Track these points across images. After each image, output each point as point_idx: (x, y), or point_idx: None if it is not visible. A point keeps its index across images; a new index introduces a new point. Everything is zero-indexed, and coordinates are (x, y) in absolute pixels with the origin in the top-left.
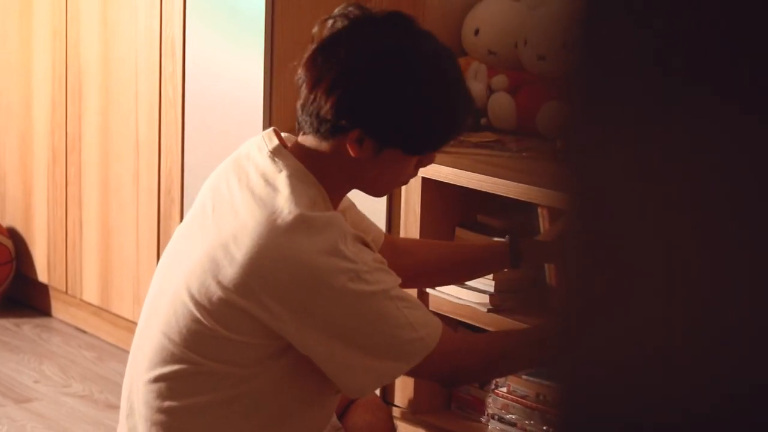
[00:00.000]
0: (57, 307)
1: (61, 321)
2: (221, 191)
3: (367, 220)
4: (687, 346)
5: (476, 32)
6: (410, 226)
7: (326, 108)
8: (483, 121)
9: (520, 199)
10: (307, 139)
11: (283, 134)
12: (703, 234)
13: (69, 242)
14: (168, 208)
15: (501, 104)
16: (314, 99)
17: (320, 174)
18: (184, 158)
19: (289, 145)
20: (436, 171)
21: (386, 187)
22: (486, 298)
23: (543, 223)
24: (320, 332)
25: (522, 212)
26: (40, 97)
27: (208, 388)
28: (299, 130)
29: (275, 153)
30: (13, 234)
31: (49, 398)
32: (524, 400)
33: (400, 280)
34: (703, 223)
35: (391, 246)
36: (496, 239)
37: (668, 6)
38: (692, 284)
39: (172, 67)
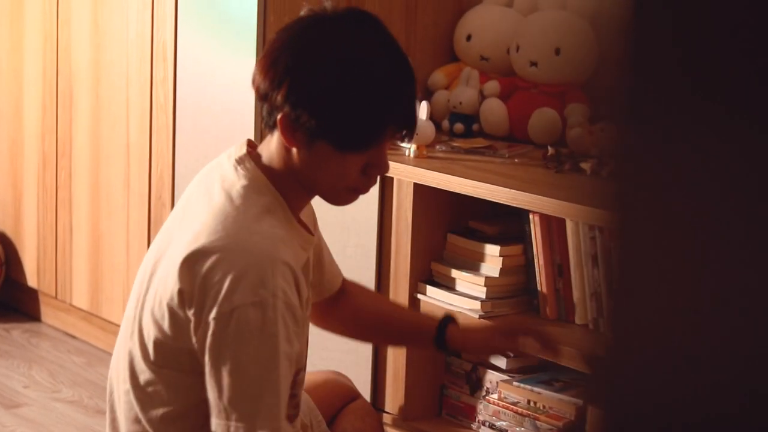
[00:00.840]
0: (46, 312)
1: (51, 326)
2: (191, 199)
3: (329, 259)
4: (743, 372)
5: (468, 38)
6: (401, 233)
7: (264, 87)
8: (475, 126)
9: (511, 205)
10: (266, 142)
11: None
12: (757, 250)
13: (59, 247)
14: (158, 212)
15: (493, 110)
16: (260, 84)
17: (277, 180)
18: (175, 163)
19: (256, 152)
20: (428, 177)
21: (335, 190)
22: (477, 305)
23: (534, 229)
24: (206, 343)
25: (513, 218)
26: (30, 102)
27: (171, 399)
28: (263, 129)
29: (239, 162)
30: (2, 238)
31: (38, 404)
32: (515, 407)
33: (294, 346)
34: (755, 239)
35: (341, 289)
36: (430, 317)
37: (719, 20)
38: (748, 304)
39: (163, 72)
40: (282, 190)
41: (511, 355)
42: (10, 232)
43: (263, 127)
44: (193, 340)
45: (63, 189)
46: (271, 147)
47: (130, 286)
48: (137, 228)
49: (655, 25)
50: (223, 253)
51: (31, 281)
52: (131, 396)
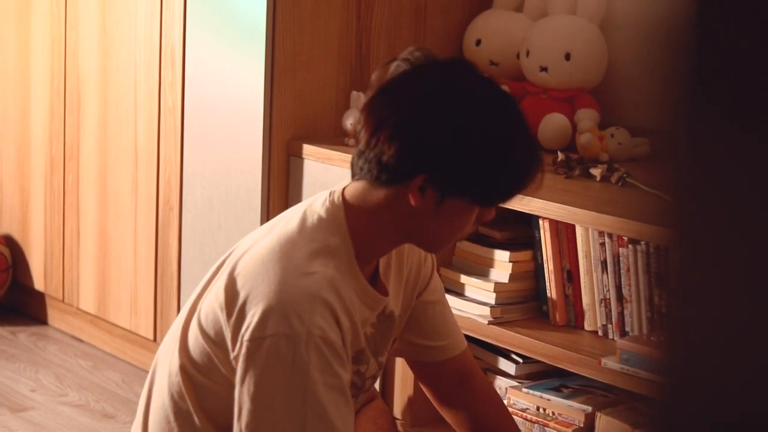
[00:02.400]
0: (53, 316)
1: (58, 329)
2: (279, 217)
3: (451, 323)
4: None
5: (478, 42)
6: None
7: (389, 154)
8: None
9: (521, 210)
10: (360, 186)
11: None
12: None
13: (66, 250)
14: (166, 216)
15: None
16: (375, 144)
17: (361, 228)
18: (183, 167)
19: (346, 192)
20: None
21: (443, 241)
22: (487, 311)
23: (544, 234)
24: (238, 361)
25: (523, 224)
26: (38, 105)
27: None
28: (353, 176)
29: (331, 194)
30: (9, 242)
31: (45, 407)
32: (524, 413)
33: (341, 389)
34: None
35: (465, 375)
36: None
37: None
38: None
39: (171, 76)
40: (361, 236)
41: (520, 360)
42: (17, 235)
43: (361, 176)
44: (231, 356)
45: (70, 192)
46: (373, 197)
47: (137, 290)
48: (145, 232)
49: (718, 35)
50: (268, 278)
51: (38, 284)
52: (165, 382)
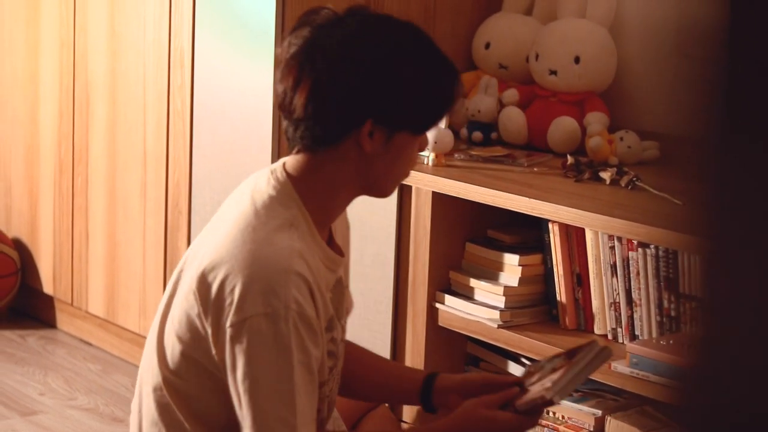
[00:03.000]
0: (62, 319)
1: (67, 333)
2: (224, 207)
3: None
4: None
5: (487, 46)
6: (420, 242)
7: (327, 111)
8: (493, 135)
9: (530, 214)
10: (301, 158)
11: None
12: None
13: (75, 254)
14: (175, 220)
15: (512, 118)
16: (311, 108)
17: (312, 194)
18: (192, 170)
19: (288, 167)
20: (446, 185)
21: (395, 182)
22: (496, 314)
23: (553, 238)
24: (224, 354)
25: (532, 227)
26: (46, 108)
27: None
28: (292, 149)
29: (272, 172)
30: (18, 245)
31: (54, 411)
32: None
33: (312, 356)
34: None
35: None
36: (416, 369)
37: None
38: None
39: (180, 79)
40: (313, 203)
41: (530, 364)
42: (26, 239)
43: (297, 148)
44: (213, 352)
45: (79, 196)
46: (316, 162)
47: (146, 293)
48: (154, 235)
49: (751, 45)
50: (237, 263)
51: (47, 288)
52: (151, 399)
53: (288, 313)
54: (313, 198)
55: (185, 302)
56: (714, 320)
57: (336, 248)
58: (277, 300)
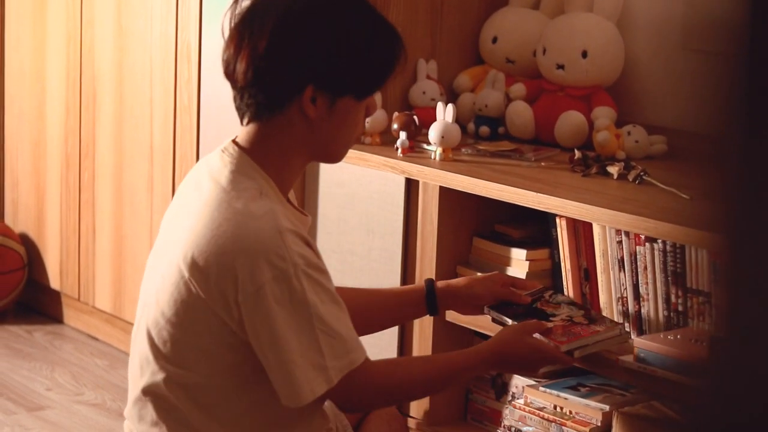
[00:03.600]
0: (69, 314)
1: (73, 328)
2: (181, 198)
3: None
4: None
5: (494, 40)
6: (427, 236)
7: (270, 76)
8: (501, 129)
9: (538, 208)
10: (252, 127)
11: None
12: None
13: (82, 249)
14: None
15: (519, 113)
16: (254, 73)
17: (268, 162)
18: None
19: (239, 140)
20: (454, 180)
21: (343, 147)
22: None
23: (561, 233)
24: (245, 328)
25: (540, 222)
26: (53, 103)
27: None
28: (242, 120)
29: (223, 150)
30: (25, 240)
31: (61, 406)
32: (541, 412)
33: (332, 295)
34: None
35: None
36: (415, 287)
37: None
38: None
39: (187, 73)
40: (272, 171)
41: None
42: (32, 234)
43: (247, 118)
44: (231, 325)
45: (86, 191)
46: (265, 130)
47: None
48: None
49: None
50: (228, 240)
51: (54, 283)
52: (146, 400)
53: (297, 270)
54: (269, 166)
55: (176, 293)
56: (733, 319)
57: (296, 209)
58: (282, 261)
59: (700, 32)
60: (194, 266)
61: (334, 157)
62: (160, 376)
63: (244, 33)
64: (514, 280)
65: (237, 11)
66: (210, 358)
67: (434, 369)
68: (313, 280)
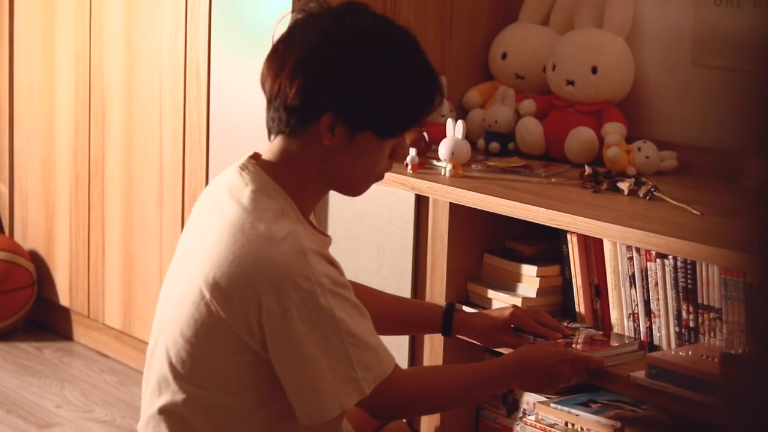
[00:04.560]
0: (79, 331)
1: (83, 345)
2: (199, 216)
3: None
4: None
5: (504, 56)
6: (437, 252)
7: (292, 94)
8: (510, 145)
9: (548, 225)
10: (275, 144)
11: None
12: None
13: (91, 266)
14: None
15: (529, 129)
16: (279, 89)
17: (289, 183)
18: (209, 182)
19: (261, 159)
20: (464, 196)
21: (362, 182)
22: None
23: (572, 249)
24: (269, 352)
25: (550, 238)
26: (62, 121)
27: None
28: (269, 134)
29: (242, 168)
30: (34, 257)
31: (71, 423)
32: (552, 429)
33: (358, 308)
34: None
35: None
36: (436, 304)
37: None
38: None
39: (196, 90)
40: (292, 192)
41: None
42: (42, 251)
43: (272, 133)
44: (253, 345)
45: (95, 208)
46: (288, 149)
47: None
48: (170, 247)
49: None
50: (250, 263)
51: (64, 300)
52: (159, 419)
53: (323, 290)
54: (289, 186)
55: (197, 313)
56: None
57: (318, 230)
58: (307, 282)
59: (710, 48)
60: (216, 288)
61: (351, 190)
62: (179, 397)
63: (279, 50)
64: (540, 316)
65: (284, 29)
66: (230, 378)
67: (462, 376)
68: (340, 296)
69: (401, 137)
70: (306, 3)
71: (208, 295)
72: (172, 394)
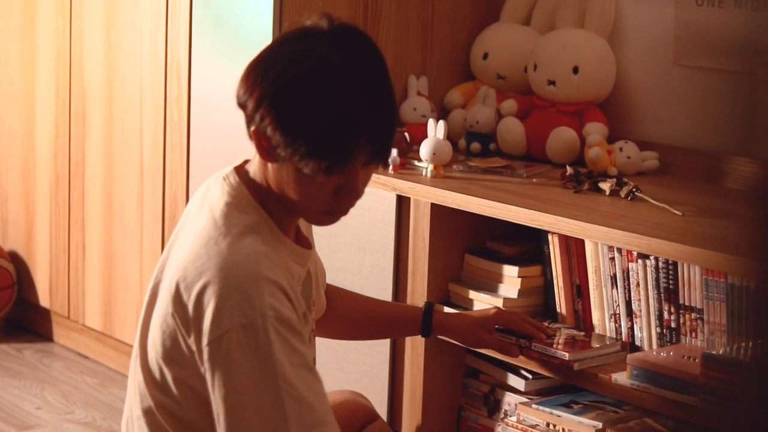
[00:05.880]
0: (59, 332)
1: (63, 346)
2: (188, 217)
3: (323, 278)
4: None
5: (485, 56)
6: (419, 253)
7: (240, 96)
8: (492, 146)
9: (530, 225)
10: (254, 155)
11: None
12: None
13: (71, 267)
14: (172, 232)
15: (510, 129)
16: (238, 93)
17: (263, 195)
18: (189, 183)
19: (245, 168)
20: (445, 197)
21: (305, 209)
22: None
23: (553, 249)
24: (205, 373)
25: (532, 239)
26: (43, 120)
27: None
28: None
29: (225, 178)
30: (14, 258)
31: (51, 425)
32: (533, 430)
33: (304, 361)
34: None
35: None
36: (416, 306)
37: None
38: None
39: (177, 91)
40: (268, 204)
41: (530, 376)
42: (22, 252)
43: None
44: (201, 369)
45: (76, 208)
46: (255, 161)
47: (143, 306)
48: (151, 247)
49: None
50: (207, 278)
51: (44, 301)
52: (143, 422)
53: (266, 321)
54: (264, 199)
55: (165, 325)
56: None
57: (303, 242)
58: (252, 310)
59: (692, 48)
60: (176, 300)
61: (304, 216)
62: (151, 402)
63: (257, 57)
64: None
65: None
66: (196, 396)
67: None
68: (282, 337)
69: (343, 178)
70: (321, 16)
71: (171, 309)
72: (145, 400)
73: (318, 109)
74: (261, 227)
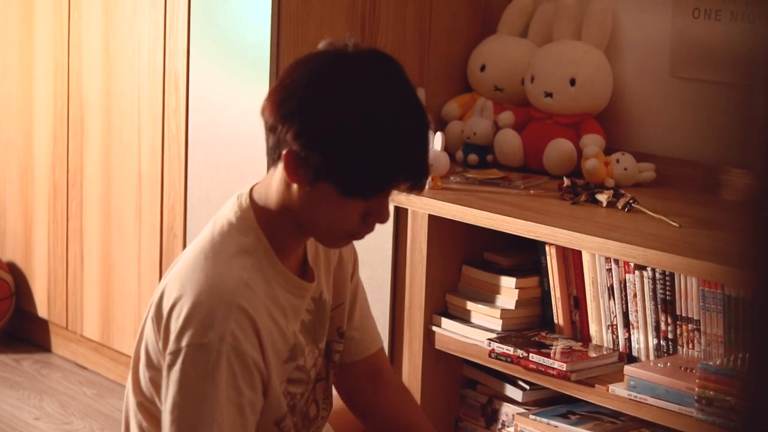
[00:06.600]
0: (57, 343)
1: (61, 357)
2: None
3: (363, 318)
4: None
5: (482, 68)
6: (416, 264)
7: (273, 120)
8: (489, 157)
9: (527, 236)
10: (267, 176)
11: None
12: None
13: (69, 277)
14: (170, 243)
15: (507, 141)
16: (269, 117)
17: (270, 219)
18: (187, 194)
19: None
20: (443, 208)
21: (330, 233)
22: (492, 337)
23: (550, 261)
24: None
25: (529, 250)
26: (41, 131)
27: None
28: (268, 163)
29: (239, 196)
30: (12, 269)
31: None
32: None
33: (239, 403)
34: None
35: (378, 373)
36: None
37: None
38: None
39: (175, 102)
40: (272, 230)
41: (527, 387)
42: (20, 263)
43: (268, 159)
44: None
45: (74, 219)
46: (272, 182)
47: (141, 316)
48: (149, 258)
49: None
50: (185, 291)
51: (42, 312)
52: (132, 420)
53: (221, 346)
54: (266, 221)
55: (149, 330)
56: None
57: (309, 273)
58: (212, 331)
59: (688, 60)
60: (158, 307)
61: (320, 239)
62: (134, 403)
63: (285, 81)
64: None
65: None
66: None
67: None
68: (231, 369)
69: (375, 202)
70: (328, 43)
71: (153, 312)
72: (133, 399)
73: (369, 138)
74: (256, 251)
